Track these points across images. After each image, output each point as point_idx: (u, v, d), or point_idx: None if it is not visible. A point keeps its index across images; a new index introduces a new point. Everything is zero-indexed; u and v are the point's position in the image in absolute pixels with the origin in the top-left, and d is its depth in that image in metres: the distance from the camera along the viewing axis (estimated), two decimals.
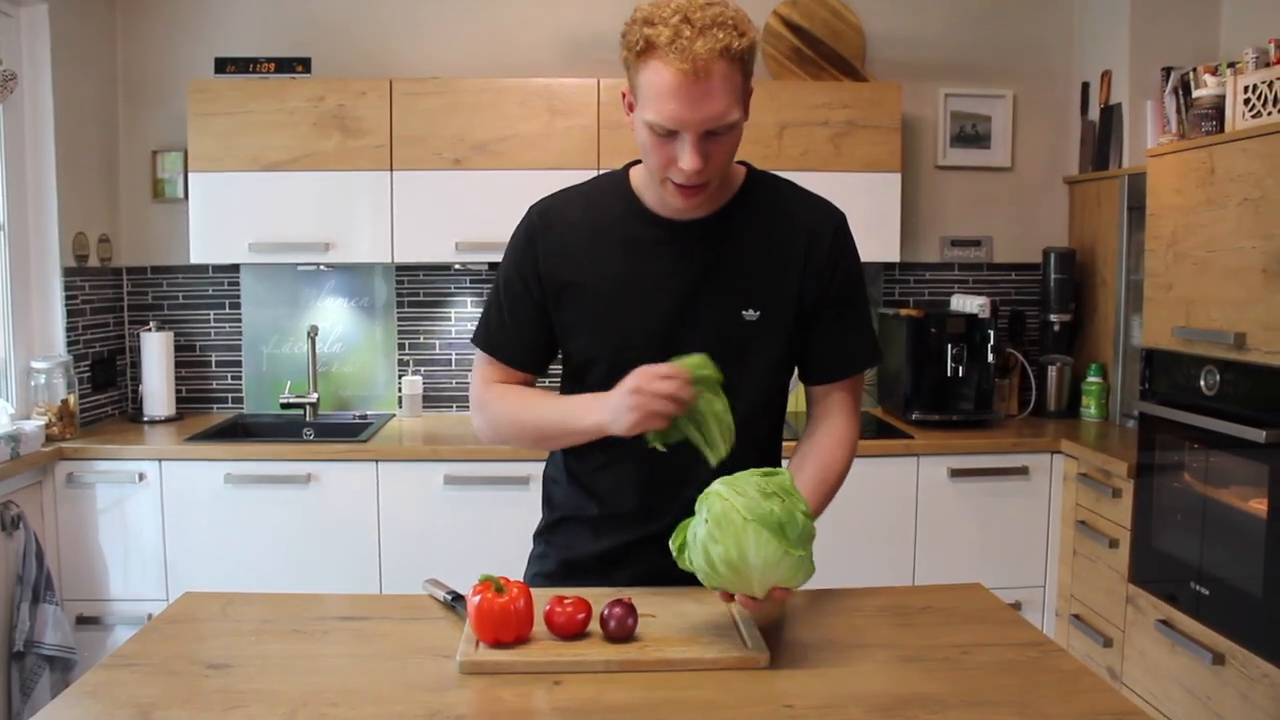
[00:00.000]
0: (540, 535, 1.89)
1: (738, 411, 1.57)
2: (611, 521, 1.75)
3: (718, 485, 1.44)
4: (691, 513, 1.48)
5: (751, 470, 1.47)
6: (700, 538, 1.41)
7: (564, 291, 1.69)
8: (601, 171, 1.82)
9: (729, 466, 1.65)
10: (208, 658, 1.49)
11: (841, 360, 1.76)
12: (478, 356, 1.80)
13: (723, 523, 1.39)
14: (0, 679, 3.09)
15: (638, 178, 1.71)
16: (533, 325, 1.72)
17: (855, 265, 1.75)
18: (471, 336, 1.81)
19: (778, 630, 1.55)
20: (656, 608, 1.56)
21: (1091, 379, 3.83)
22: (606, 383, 1.62)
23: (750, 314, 1.66)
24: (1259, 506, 2.59)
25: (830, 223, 1.72)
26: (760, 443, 1.74)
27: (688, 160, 1.50)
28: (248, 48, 3.84)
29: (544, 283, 1.69)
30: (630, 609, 1.48)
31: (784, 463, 1.79)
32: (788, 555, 1.39)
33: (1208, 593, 2.75)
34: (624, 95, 1.60)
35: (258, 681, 1.40)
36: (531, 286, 1.70)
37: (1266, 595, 2.53)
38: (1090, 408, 3.83)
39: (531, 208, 1.75)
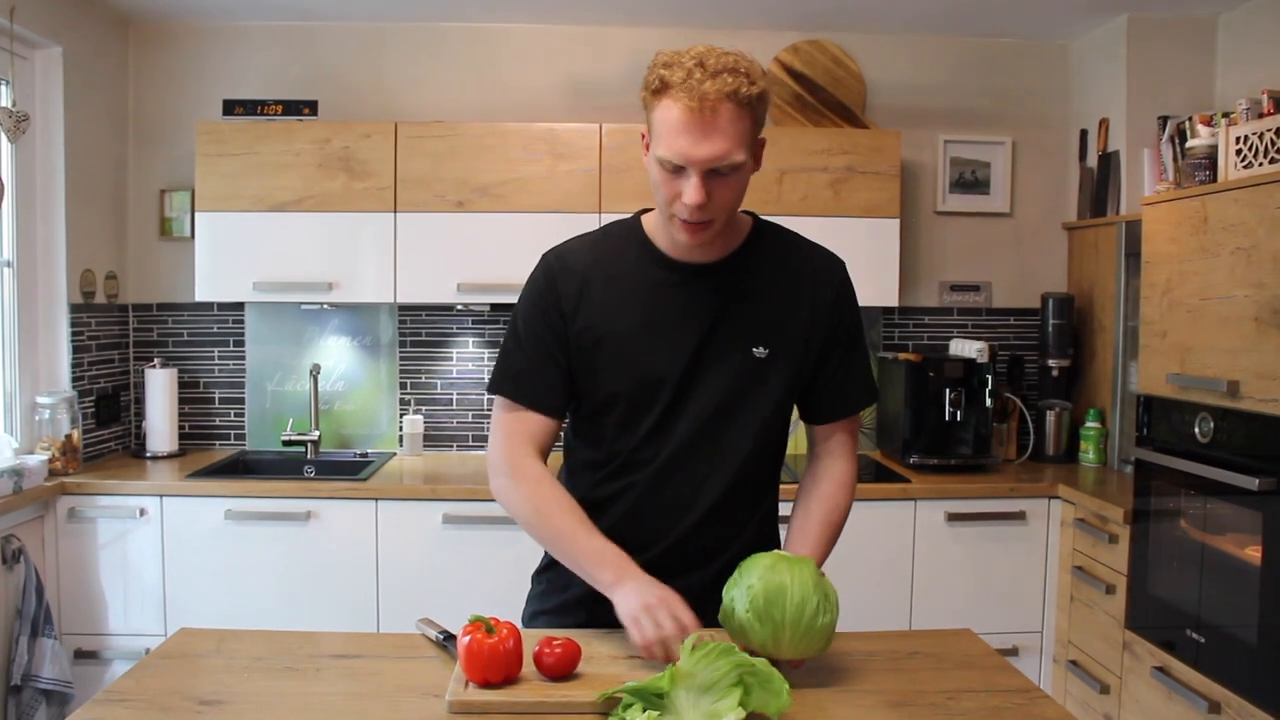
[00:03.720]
0: (540, 574, 1.92)
1: (744, 446, 1.72)
2: None
3: (767, 574, 1.52)
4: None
5: (790, 560, 1.55)
6: (739, 617, 1.52)
7: (585, 333, 1.73)
8: (608, 219, 1.87)
9: (723, 504, 1.75)
10: (200, 694, 1.50)
11: (844, 401, 1.84)
12: (498, 409, 1.79)
13: (764, 617, 1.49)
14: None
15: (650, 224, 1.78)
16: (556, 367, 1.75)
17: (856, 311, 1.84)
18: (488, 386, 1.82)
19: None
20: None
21: (1090, 424, 3.84)
22: (625, 419, 1.72)
23: (760, 351, 1.73)
24: (1254, 554, 2.59)
25: (835, 271, 1.82)
26: (760, 479, 1.81)
27: (691, 195, 1.56)
28: (256, 90, 3.90)
29: (567, 324, 1.74)
30: None
31: (781, 506, 1.82)
32: (810, 647, 1.52)
33: (1204, 640, 2.74)
34: (643, 136, 1.67)
35: (249, 718, 1.41)
36: (556, 326, 1.74)
37: (1261, 644, 2.53)
38: (1089, 453, 3.84)
39: (547, 254, 1.80)
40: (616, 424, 1.75)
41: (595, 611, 1.73)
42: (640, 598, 1.54)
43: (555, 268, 1.77)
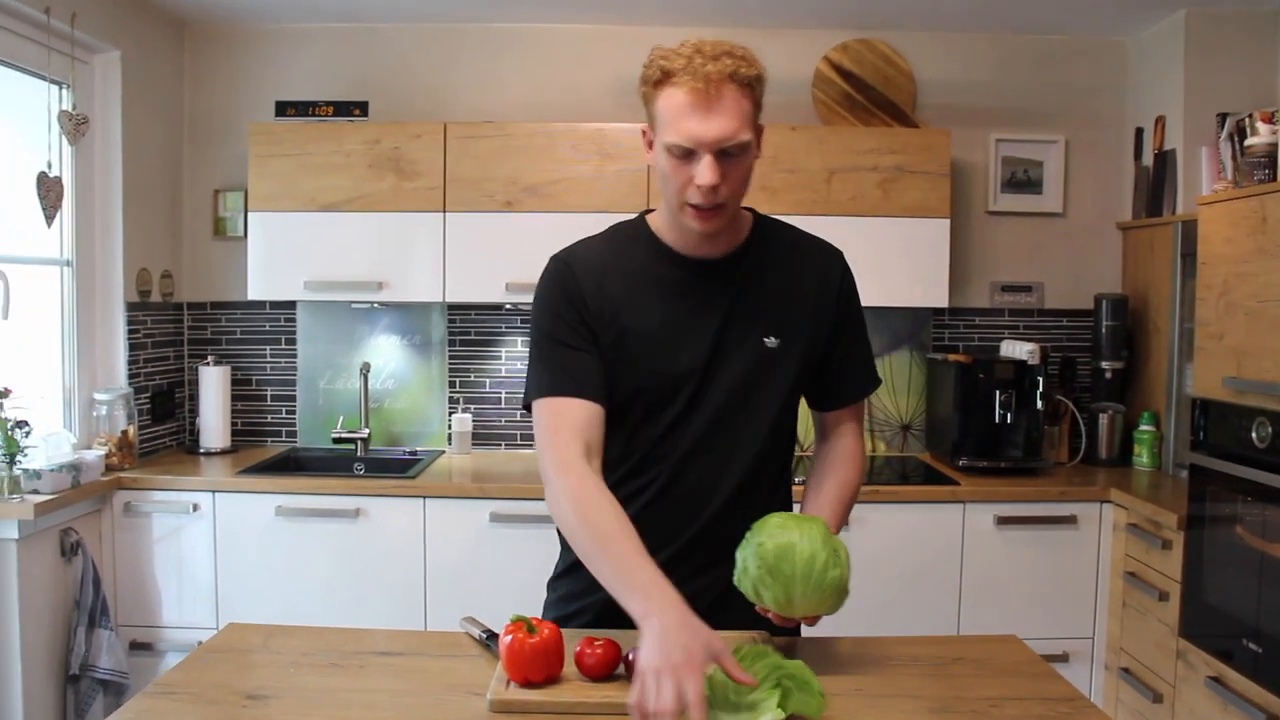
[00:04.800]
0: (555, 581, 1.92)
1: (759, 434, 1.75)
2: None
3: (776, 532, 1.55)
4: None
5: (799, 518, 1.59)
6: (752, 575, 1.55)
7: (606, 329, 1.74)
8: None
9: (739, 496, 1.77)
10: (246, 688, 1.52)
11: (851, 387, 1.88)
12: (538, 416, 1.71)
13: (775, 573, 1.52)
14: (56, 701, 3.17)
15: (656, 221, 1.81)
16: (590, 353, 1.72)
17: (858, 300, 1.88)
18: (523, 400, 1.77)
19: None
20: None
21: (1144, 428, 3.77)
22: (649, 413, 1.74)
23: (771, 341, 1.76)
24: None
25: (837, 262, 1.86)
26: (773, 470, 1.83)
27: (705, 175, 1.57)
28: (307, 92, 3.95)
29: (590, 319, 1.73)
30: None
31: (795, 507, 1.82)
32: (823, 603, 1.54)
33: (1261, 651, 2.68)
34: (644, 133, 1.70)
35: (293, 714, 1.44)
36: (582, 315, 1.73)
37: None
38: (1142, 456, 3.77)
39: (555, 256, 1.81)
40: (639, 418, 1.76)
41: (611, 619, 1.65)
42: (661, 655, 1.33)
43: (569, 265, 1.77)
